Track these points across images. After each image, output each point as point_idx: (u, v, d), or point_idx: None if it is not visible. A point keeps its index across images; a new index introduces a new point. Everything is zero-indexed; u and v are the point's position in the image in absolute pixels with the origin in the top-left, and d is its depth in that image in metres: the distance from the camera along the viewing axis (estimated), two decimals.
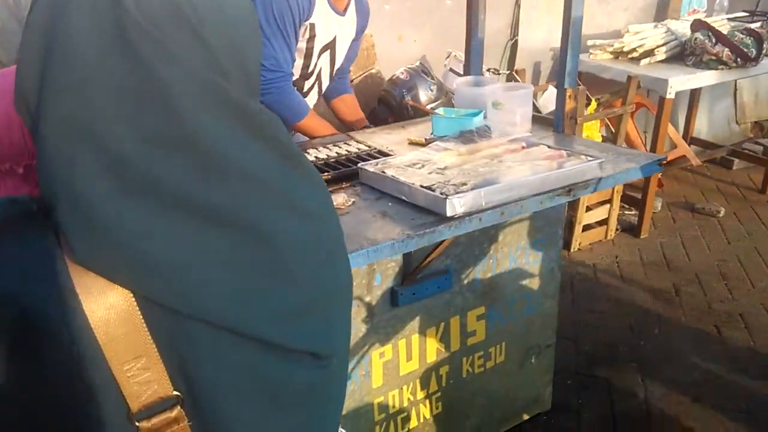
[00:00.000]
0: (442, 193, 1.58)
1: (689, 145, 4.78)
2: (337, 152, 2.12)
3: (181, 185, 0.67)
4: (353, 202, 1.72)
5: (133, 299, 0.67)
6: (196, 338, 0.69)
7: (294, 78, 2.39)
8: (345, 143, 2.22)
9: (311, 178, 0.79)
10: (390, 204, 1.70)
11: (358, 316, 1.93)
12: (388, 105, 3.34)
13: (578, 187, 1.78)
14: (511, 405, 2.51)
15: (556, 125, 2.27)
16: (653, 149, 3.92)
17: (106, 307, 0.66)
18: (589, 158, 1.81)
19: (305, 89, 2.49)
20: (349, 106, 2.73)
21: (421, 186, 1.63)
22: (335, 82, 2.66)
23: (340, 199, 1.68)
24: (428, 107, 3.42)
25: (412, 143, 2.25)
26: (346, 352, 0.86)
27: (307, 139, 2.44)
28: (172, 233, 0.67)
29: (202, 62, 0.68)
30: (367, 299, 1.93)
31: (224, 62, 0.71)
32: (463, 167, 1.77)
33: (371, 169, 1.79)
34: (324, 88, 2.59)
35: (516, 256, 2.28)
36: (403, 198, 1.70)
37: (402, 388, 2.17)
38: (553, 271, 2.43)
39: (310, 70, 2.43)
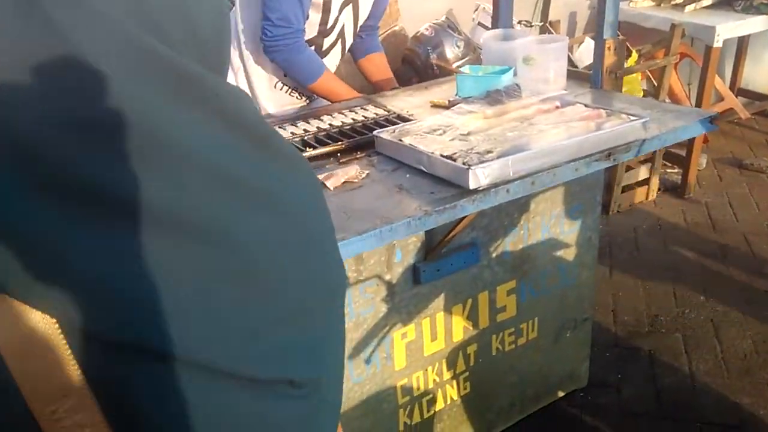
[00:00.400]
0: (464, 163, 1.41)
1: (737, 96, 4.48)
2: (353, 118, 1.95)
3: (109, 181, 0.52)
4: (367, 174, 1.56)
5: (57, 326, 0.53)
6: (139, 372, 0.55)
7: (311, 36, 2.21)
8: (362, 108, 2.05)
9: (290, 165, 0.64)
10: (408, 176, 1.54)
11: (377, 296, 1.79)
12: (413, 64, 3.15)
13: (619, 150, 1.59)
14: (544, 382, 2.37)
15: (594, 81, 2.06)
16: (699, 103, 3.65)
17: (21, 335, 0.53)
18: (631, 117, 1.61)
19: (325, 47, 2.30)
20: (377, 65, 2.52)
21: (441, 155, 1.46)
22: (362, 40, 2.47)
23: (352, 171, 1.52)
24: (455, 65, 3.21)
25: (434, 106, 2.07)
26: (338, 369, 0.71)
27: (326, 103, 2.27)
28: (100, 243, 0.52)
29: (130, 21, 0.53)
30: (387, 277, 1.79)
31: (165, 25, 0.56)
32: (489, 132, 1.59)
33: (387, 137, 1.62)
34: (348, 46, 2.39)
35: (549, 225, 2.10)
36: (422, 168, 1.53)
37: (427, 370, 2.04)
38: (591, 240, 2.25)
39: (330, 26, 2.23)
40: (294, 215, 0.62)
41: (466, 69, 2.13)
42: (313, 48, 2.22)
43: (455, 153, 1.46)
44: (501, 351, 2.20)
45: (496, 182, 1.43)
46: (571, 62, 3.61)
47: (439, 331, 2.02)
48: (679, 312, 2.89)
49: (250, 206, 0.58)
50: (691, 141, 3.68)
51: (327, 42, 2.29)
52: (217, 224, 0.56)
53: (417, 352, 1.99)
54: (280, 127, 1.91)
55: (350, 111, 2.02)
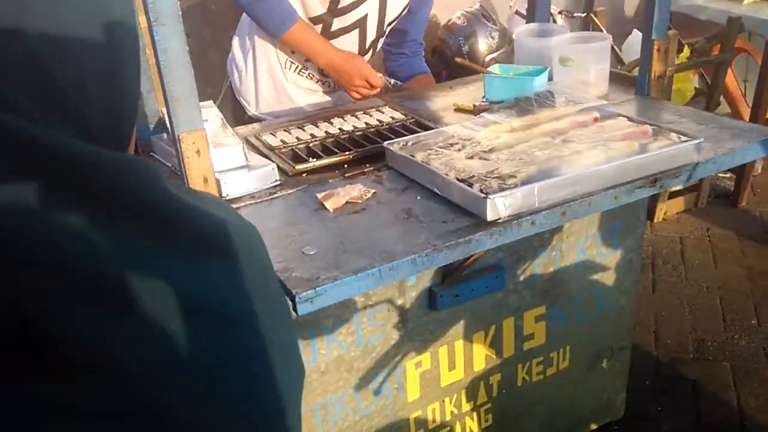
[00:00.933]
0: (481, 190, 1.21)
1: None
2: (366, 122, 1.76)
3: None
4: (373, 193, 1.37)
5: None
6: None
7: (318, 12, 1.97)
8: (378, 110, 1.85)
9: (210, 251, 0.45)
10: (418, 198, 1.34)
11: (388, 322, 1.61)
12: (443, 56, 2.94)
13: (667, 176, 1.36)
14: (576, 414, 2.16)
15: (641, 86, 1.82)
16: (757, 104, 3.34)
17: None
18: (682, 138, 1.38)
19: (333, 29, 2.02)
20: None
21: (457, 179, 1.26)
22: (408, 59, 2.23)
23: (355, 192, 1.34)
24: (489, 57, 2.98)
25: (458, 109, 1.86)
26: None
27: (346, 97, 2.07)
28: None
29: None
30: (399, 302, 1.60)
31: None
32: (514, 149, 1.38)
33: (398, 151, 1.43)
34: (369, 41, 2.11)
35: (585, 246, 1.88)
36: (435, 190, 1.33)
37: (444, 401, 1.85)
38: (632, 262, 2.01)
39: (344, 5, 1.96)
40: (225, 320, 0.44)
41: (495, 68, 1.91)
42: (318, 27, 1.99)
43: (473, 176, 1.26)
44: (528, 381, 1.99)
45: (520, 212, 1.22)
46: (616, 56, 3.34)
47: (458, 360, 1.82)
48: (728, 337, 2.63)
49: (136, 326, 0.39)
50: None
51: (337, 24, 2.00)
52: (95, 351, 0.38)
53: (433, 382, 1.80)
54: (285, 131, 1.73)
55: (365, 113, 1.83)
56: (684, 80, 3.24)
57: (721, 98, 3.33)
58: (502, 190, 1.20)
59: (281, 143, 1.64)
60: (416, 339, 1.68)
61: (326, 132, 1.70)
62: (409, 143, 1.45)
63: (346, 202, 1.33)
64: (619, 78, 1.94)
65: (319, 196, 1.34)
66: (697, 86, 3.48)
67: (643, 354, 2.55)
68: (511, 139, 1.44)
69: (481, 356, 1.87)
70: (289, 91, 2.12)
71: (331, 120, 1.78)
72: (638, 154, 1.31)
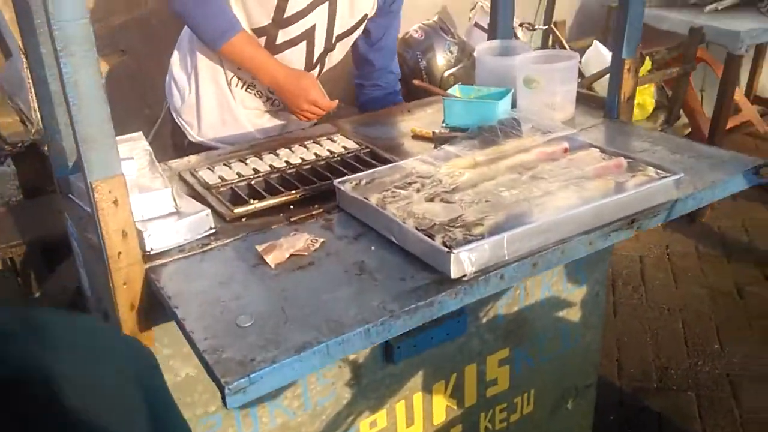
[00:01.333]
0: (445, 243, 1.05)
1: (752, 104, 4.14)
2: (316, 153, 1.59)
3: None
4: (322, 243, 1.20)
5: None
6: None
7: (262, 23, 1.78)
8: (329, 138, 1.69)
9: None
10: (373, 248, 1.19)
11: (339, 380, 1.44)
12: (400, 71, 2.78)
13: (644, 215, 1.24)
14: None
15: (609, 109, 1.70)
16: (717, 117, 3.29)
17: None
18: (661, 173, 1.26)
19: (278, 41, 1.84)
20: None
21: (417, 228, 1.11)
22: (383, 89, 2.07)
23: (301, 243, 1.17)
24: (447, 73, 2.85)
25: (416, 137, 1.71)
26: None
27: (295, 120, 1.90)
28: None
29: None
30: (352, 357, 1.44)
31: None
32: (480, 188, 1.24)
33: (351, 192, 1.27)
34: (316, 54, 1.93)
35: (551, 282, 1.75)
36: (392, 239, 1.18)
37: None
38: (598, 295, 1.90)
39: (289, 15, 1.78)
40: None
41: (455, 90, 1.77)
42: (263, 40, 1.80)
43: (434, 224, 1.11)
44: (491, 430, 1.86)
45: (487, 266, 1.08)
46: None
47: (416, 414, 1.67)
48: (692, 364, 2.55)
49: None
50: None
51: (282, 36, 1.82)
52: None
53: None
54: (225, 164, 1.55)
55: (314, 143, 1.66)
56: (645, 93, 3.17)
57: (681, 112, 3.28)
58: (467, 242, 1.06)
59: (219, 180, 1.47)
60: (371, 396, 1.53)
61: (271, 166, 1.52)
62: (363, 182, 1.29)
63: (291, 255, 1.16)
64: (586, 99, 1.83)
65: (259, 248, 1.17)
66: (656, 98, 3.42)
67: (606, 385, 2.44)
68: (475, 176, 1.29)
69: (441, 408, 1.72)
70: (236, 111, 1.93)
71: (277, 151, 1.60)
72: (614, 194, 1.18)
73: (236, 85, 1.91)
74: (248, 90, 1.92)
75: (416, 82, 1.67)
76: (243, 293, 1.08)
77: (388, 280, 1.09)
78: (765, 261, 3.12)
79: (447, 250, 1.03)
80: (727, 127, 3.45)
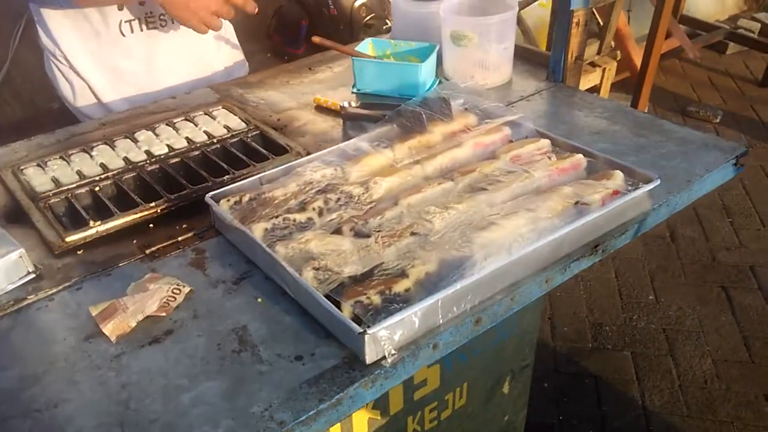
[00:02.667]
0: (357, 317, 0.75)
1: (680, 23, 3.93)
2: (188, 137, 1.22)
3: None
4: (188, 293, 0.87)
5: None
6: None
7: None
8: (208, 113, 1.31)
9: None
10: (260, 300, 0.87)
11: None
12: (302, 2, 2.36)
13: (610, 236, 0.96)
14: None
15: (554, 71, 1.40)
16: (650, 43, 3.04)
17: None
18: (631, 182, 0.98)
19: None
20: None
21: (319, 287, 0.79)
22: None
23: (154, 303, 0.83)
24: (358, 3, 2.45)
25: (320, 108, 1.36)
26: None
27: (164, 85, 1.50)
28: None
29: None
30: None
31: None
32: (401, 207, 0.93)
33: (227, 219, 0.92)
34: None
35: None
36: (286, 289, 0.86)
37: None
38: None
39: None
40: None
41: (367, 44, 1.41)
42: None
43: (342, 283, 0.80)
44: (420, 431, 1.64)
45: (416, 337, 0.78)
46: None
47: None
48: (627, 319, 2.41)
49: None
50: (639, 86, 3.10)
51: None
52: None
53: None
54: (63, 158, 1.16)
55: (187, 120, 1.28)
56: None
57: (613, 44, 3.01)
58: (388, 311, 0.75)
59: (53, 185, 1.08)
60: None
61: (125, 160, 1.15)
62: (244, 199, 0.95)
63: (145, 318, 0.83)
64: (525, 55, 1.51)
65: (94, 313, 0.83)
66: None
67: (541, 347, 2.27)
68: (395, 186, 0.98)
69: (362, 422, 1.47)
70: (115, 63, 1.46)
71: (136, 135, 1.22)
72: (576, 219, 0.89)
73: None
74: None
75: (316, 39, 1.30)
76: (65, 394, 0.74)
77: (278, 360, 0.78)
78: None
79: (360, 330, 0.72)
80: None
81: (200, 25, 1.32)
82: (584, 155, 1.04)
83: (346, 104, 1.28)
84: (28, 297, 0.88)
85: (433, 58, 1.34)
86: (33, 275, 0.90)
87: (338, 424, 1.39)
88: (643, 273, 2.62)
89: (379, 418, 1.51)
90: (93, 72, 1.44)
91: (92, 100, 1.49)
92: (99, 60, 1.44)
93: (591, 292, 2.53)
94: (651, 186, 0.96)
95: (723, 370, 2.20)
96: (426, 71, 1.31)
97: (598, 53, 2.96)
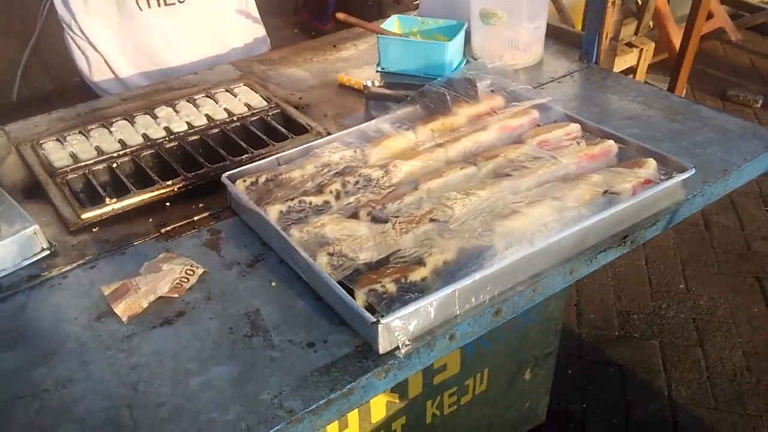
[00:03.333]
0: (370, 306, 0.72)
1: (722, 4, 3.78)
2: (207, 114, 1.20)
3: None
4: (202, 274, 0.86)
5: None
6: None
7: None
8: (229, 90, 1.29)
9: None
10: (274, 284, 0.85)
11: None
12: None
13: (640, 227, 0.92)
14: None
15: (587, 53, 1.34)
16: (690, 24, 2.93)
17: None
18: (664, 171, 0.93)
19: None
20: None
21: (333, 272, 0.77)
22: None
23: (167, 281, 0.82)
24: None
25: (343, 87, 1.33)
26: None
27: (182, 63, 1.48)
28: None
29: None
30: None
31: None
32: (421, 192, 0.90)
33: (243, 199, 0.90)
34: None
35: None
36: (300, 273, 0.84)
37: None
38: None
39: None
40: None
41: (393, 21, 1.37)
42: None
43: (357, 269, 0.77)
44: (439, 416, 1.62)
45: (433, 327, 0.76)
46: None
47: (350, 417, 1.41)
48: (656, 307, 2.36)
49: None
50: (677, 68, 3.00)
51: None
52: None
53: None
54: (82, 133, 1.15)
55: (208, 97, 1.26)
56: None
57: (651, 24, 2.91)
58: (403, 300, 0.72)
59: (71, 161, 1.07)
60: None
61: (144, 136, 1.13)
62: (261, 180, 0.93)
63: (157, 299, 0.81)
64: (557, 35, 1.45)
65: (107, 292, 0.82)
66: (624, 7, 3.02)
67: (565, 334, 2.23)
68: (416, 170, 0.95)
69: (380, 405, 1.46)
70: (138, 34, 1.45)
71: (155, 110, 1.21)
72: (605, 209, 0.85)
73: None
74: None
75: (340, 15, 1.26)
76: (74, 375, 0.73)
77: (290, 346, 0.76)
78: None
79: (373, 320, 0.70)
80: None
81: None
82: (615, 141, 0.99)
83: (369, 83, 1.25)
84: (42, 274, 0.87)
85: (461, 36, 1.30)
86: (47, 252, 0.90)
87: (356, 410, 1.38)
88: (675, 261, 2.55)
89: (397, 401, 1.50)
90: (110, 46, 1.43)
91: (109, 75, 1.48)
92: (116, 34, 1.43)
93: (619, 279, 2.48)
94: (685, 175, 0.91)
95: (754, 362, 2.14)
96: (453, 50, 1.27)
97: (636, 33, 2.86)
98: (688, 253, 2.58)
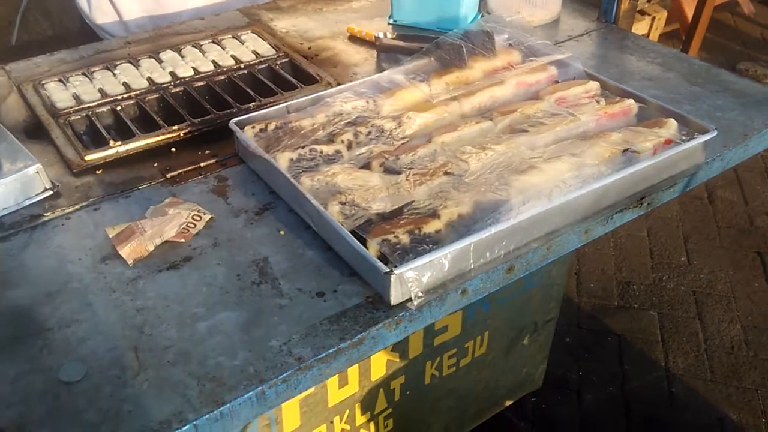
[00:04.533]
0: (384, 256, 0.71)
1: None
2: (214, 61, 1.16)
3: None
4: (208, 220, 0.84)
5: None
6: None
7: None
8: (236, 36, 1.25)
9: None
10: (282, 233, 0.83)
11: None
12: None
13: (657, 189, 0.90)
14: (489, 397, 1.83)
15: (605, 12, 1.31)
16: None
17: None
18: (685, 132, 0.91)
19: None
20: None
21: (345, 222, 0.75)
22: None
23: (174, 224, 0.80)
24: None
25: (353, 38, 1.29)
26: None
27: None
28: None
29: None
30: None
31: None
32: (435, 144, 0.87)
33: (252, 145, 0.88)
34: None
35: None
36: (310, 224, 0.82)
37: (332, 421, 1.45)
38: None
39: None
40: None
41: None
42: None
43: (369, 219, 0.75)
44: (437, 377, 1.62)
45: (445, 281, 0.74)
46: None
47: (350, 374, 1.40)
48: (656, 279, 2.35)
49: None
50: (689, 39, 2.96)
51: None
52: None
53: (317, 406, 1.38)
54: (85, 74, 1.12)
55: (215, 43, 1.23)
56: None
57: None
58: (416, 251, 0.71)
59: (74, 102, 1.04)
60: None
61: (149, 80, 1.10)
62: (270, 127, 0.90)
63: (163, 243, 0.79)
64: None
65: (111, 234, 0.80)
66: None
67: (565, 303, 2.22)
68: (430, 123, 0.92)
69: (380, 363, 1.45)
70: None
71: (160, 54, 1.17)
72: (624, 168, 0.83)
73: None
74: None
75: None
76: (78, 315, 0.72)
77: (299, 295, 0.74)
78: None
79: (386, 270, 0.68)
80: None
81: None
82: (635, 101, 0.97)
83: (381, 35, 1.22)
84: (45, 214, 0.85)
85: None
86: (50, 192, 0.87)
87: (356, 367, 1.38)
88: (677, 233, 2.54)
89: (397, 360, 1.49)
90: None
91: (112, 17, 1.43)
92: None
93: (621, 250, 2.47)
94: (707, 137, 0.89)
95: (752, 336, 2.14)
96: (468, 3, 1.23)
97: (649, 1, 2.81)
98: (690, 226, 2.57)
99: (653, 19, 2.92)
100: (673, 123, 0.91)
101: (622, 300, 2.28)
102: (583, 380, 2.04)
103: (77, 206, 0.87)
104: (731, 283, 2.33)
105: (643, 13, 2.88)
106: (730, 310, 2.23)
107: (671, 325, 2.19)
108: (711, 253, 2.45)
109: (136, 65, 1.14)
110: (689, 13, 3.01)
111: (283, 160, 0.84)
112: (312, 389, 1.33)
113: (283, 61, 1.17)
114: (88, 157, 0.93)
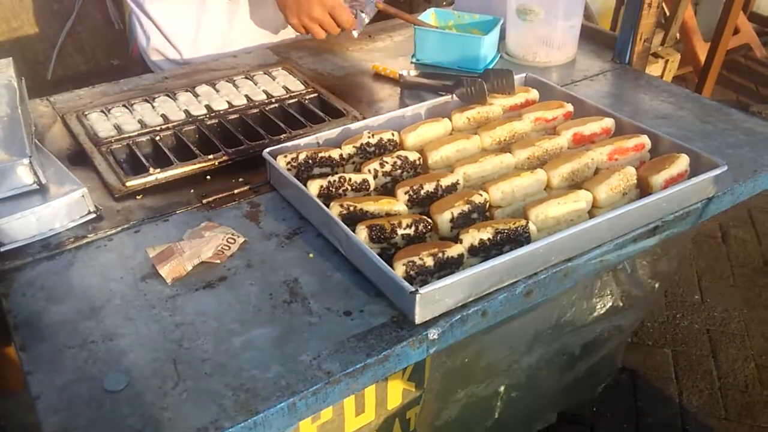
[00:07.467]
0: (408, 275, 0.75)
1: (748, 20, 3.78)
2: (247, 95, 1.23)
3: None
4: (243, 243, 0.89)
5: None
6: None
7: None
8: (267, 73, 1.32)
9: None
10: (311, 256, 0.87)
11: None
12: None
13: (671, 220, 0.94)
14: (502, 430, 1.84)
15: (620, 53, 1.36)
16: (717, 39, 2.95)
17: None
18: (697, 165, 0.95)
19: None
20: None
21: (371, 244, 0.80)
22: None
23: (211, 246, 0.85)
24: None
25: (378, 76, 1.36)
26: None
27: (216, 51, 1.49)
28: None
29: None
30: None
31: None
32: (456, 175, 0.92)
33: (284, 173, 0.93)
34: None
35: None
36: (338, 247, 0.87)
37: None
38: None
39: None
40: None
41: (430, 14, 1.40)
42: None
43: (392, 238, 0.80)
44: None
45: (466, 301, 0.78)
46: None
47: (367, 402, 1.43)
48: (670, 316, 2.36)
49: None
50: (701, 82, 3.02)
51: None
52: None
53: None
54: (126, 106, 1.18)
55: (247, 78, 1.29)
56: None
57: (678, 35, 2.92)
58: (440, 275, 0.75)
59: (114, 132, 1.11)
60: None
61: (186, 112, 1.17)
62: (301, 157, 0.95)
63: (199, 263, 0.84)
64: (591, 35, 1.47)
65: (152, 254, 0.85)
66: None
67: None
68: (451, 155, 0.97)
69: (397, 392, 1.47)
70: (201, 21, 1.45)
71: (196, 89, 1.24)
72: (637, 201, 0.88)
73: None
74: None
75: (380, 5, 1.29)
76: (120, 329, 0.76)
77: (328, 314, 0.79)
78: (750, 199, 2.90)
79: (411, 290, 0.72)
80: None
81: (299, 27, 1.32)
82: (648, 137, 1.01)
83: (404, 73, 1.28)
84: (88, 235, 0.90)
85: (496, 31, 1.32)
86: (94, 215, 0.93)
87: (373, 396, 1.41)
88: (691, 272, 2.56)
89: (413, 390, 1.51)
90: (174, 25, 1.42)
91: (173, 56, 1.46)
92: (182, 16, 1.42)
93: None
94: (717, 171, 0.93)
95: (766, 375, 2.14)
96: (488, 44, 1.30)
97: (662, 44, 2.88)
98: (704, 265, 2.58)
99: (666, 61, 2.98)
100: (684, 158, 0.95)
101: (636, 336, 2.29)
102: (596, 416, 2.04)
103: (119, 228, 0.92)
104: (745, 321, 2.33)
105: (656, 56, 2.95)
106: (744, 349, 2.23)
107: (685, 362, 2.20)
108: (724, 292, 2.46)
109: (174, 98, 1.20)
110: (702, 57, 3.07)
111: (313, 188, 0.89)
112: (330, 416, 1.35)
113: (312, 96, 1.23)
114: (129, 183, 0.98)
